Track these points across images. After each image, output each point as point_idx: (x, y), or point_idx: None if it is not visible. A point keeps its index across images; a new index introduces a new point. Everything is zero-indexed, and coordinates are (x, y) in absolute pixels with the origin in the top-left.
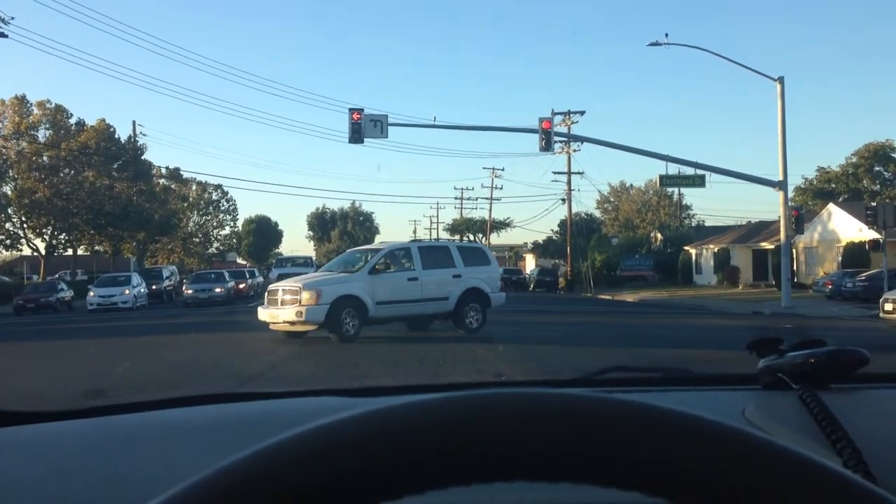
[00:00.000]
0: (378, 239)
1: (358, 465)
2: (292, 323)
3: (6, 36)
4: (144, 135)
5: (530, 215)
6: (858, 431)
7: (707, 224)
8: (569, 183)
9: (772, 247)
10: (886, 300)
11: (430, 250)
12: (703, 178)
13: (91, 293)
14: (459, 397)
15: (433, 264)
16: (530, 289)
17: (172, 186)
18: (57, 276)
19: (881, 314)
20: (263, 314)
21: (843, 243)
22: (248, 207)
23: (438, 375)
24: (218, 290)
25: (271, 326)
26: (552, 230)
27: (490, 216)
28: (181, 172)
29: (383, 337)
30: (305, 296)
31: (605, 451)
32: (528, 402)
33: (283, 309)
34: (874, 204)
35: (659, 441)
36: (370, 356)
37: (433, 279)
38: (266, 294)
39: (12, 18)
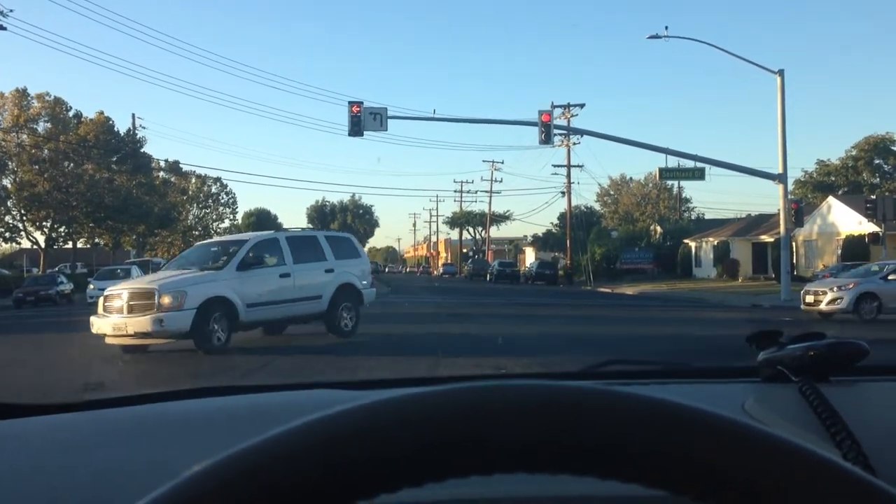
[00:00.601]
0: (378, 233)
1: (356, 456)
2: (146, 334)
3: (5, 29)
4: (144, 128)
5: (530, 208)
6: (858, 424)
7: (706, 217)
8: (568, 176)
9: (771, 240)
10: (808, 292)
11: (299, 241)
12: (702, 171)
13: (91, 286)
14: (459, 389)
15: (304, 258)
16: (530, 282)
17: (172, 179)
18: (57, 268)
19: (802, 306)
20: (100, 325)
21: (843, 236)
22: (247, 200)
23: (438, 368)
24: None
25: (109, 340)
26: (552, 223)
27: (490, 209)
28: (180, 165)
29: (381, 331)
30: (165, 300)
31: (604, 443)
32: (528, 393)
33: (131, 318)
34: (874, 197)
35: (658, 433)
36: (368, 349)
37: (306, 275)
38: (102, 300)
39: (11, 11)
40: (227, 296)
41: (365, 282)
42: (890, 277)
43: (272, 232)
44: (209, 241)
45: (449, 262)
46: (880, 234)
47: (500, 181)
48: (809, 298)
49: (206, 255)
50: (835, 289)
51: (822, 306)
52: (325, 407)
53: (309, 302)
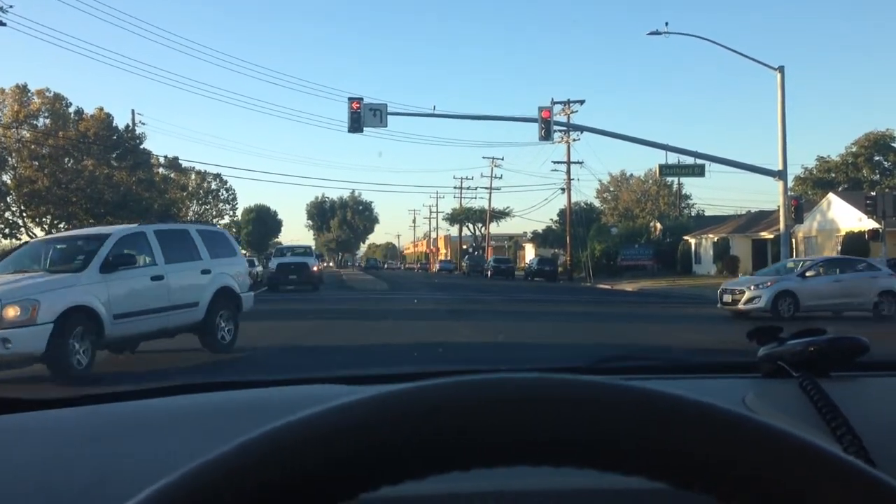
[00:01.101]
0: (378, 229)
1: (354, 451)
2: None
3: (5, 24)
4: (143, 123)
5: (530, 205)
6: (858, 419)
7: (706, 214)
8: (568, 172)
9: (771, 236)
10: (725, 291)
11: (170, 236)
12: (702, 167)
13: None
14: (461, 382)
15: (176, 256)
16: (530, 278)
17: (171, 175)
18: None
19: (719, 305)
20: None
21: (843, 233)
22: (247, 197)
23: (438, 363)
24: None
25: None
26: (552, 220)
27: (490, 206)
28: (180, 161)
29: (379, 325)
30: (10, 312)
31: (605, 437)
32: (530, 386)
33: None
34: (874, 193)
35: (660, 425)
36: (368, 345)
37: (180, 278)
38: None
39: (11, 7)
40: (91, 304)
41: (243, 284)
42: (807, 275)
43: (136, 225)
44: (52, 236)
45: (448, 258)
46: (880, 230)
47: (500, 178)
48: (727, 298)
49: (50, 254)
50: (752, 287)
51: (740, 305)
52: (323, 402)
53: (184, 310)
